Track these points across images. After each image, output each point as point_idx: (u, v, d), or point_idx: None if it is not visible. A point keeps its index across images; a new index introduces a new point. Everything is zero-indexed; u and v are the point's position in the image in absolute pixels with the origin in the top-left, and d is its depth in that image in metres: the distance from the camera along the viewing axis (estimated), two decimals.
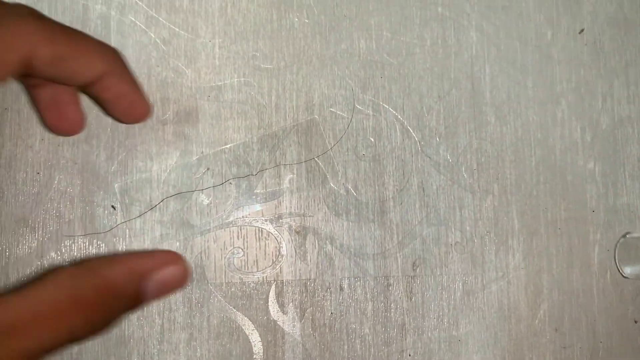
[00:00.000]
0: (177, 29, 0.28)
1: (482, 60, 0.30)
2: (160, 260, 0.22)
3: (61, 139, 0.27)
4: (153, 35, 0.28)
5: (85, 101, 0.27)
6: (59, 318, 0.19)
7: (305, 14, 0.29)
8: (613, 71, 0.31)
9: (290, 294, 0.28)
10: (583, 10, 0.31)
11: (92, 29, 0.27)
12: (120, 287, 0.20)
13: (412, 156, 0.29)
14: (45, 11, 0.27)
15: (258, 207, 0.28)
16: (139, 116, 0.26)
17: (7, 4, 0.21)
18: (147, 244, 0.27)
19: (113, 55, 0.23)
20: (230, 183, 0.28)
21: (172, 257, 0.22)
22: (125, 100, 0.25)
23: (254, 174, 0.28)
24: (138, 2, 0.28)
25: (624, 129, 0.31)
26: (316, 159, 0.28)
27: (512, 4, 0.31)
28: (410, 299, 0.28)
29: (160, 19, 0.28)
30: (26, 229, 0.26)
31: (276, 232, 0.28)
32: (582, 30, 0.31)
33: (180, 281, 0.22)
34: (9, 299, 0.18)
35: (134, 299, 0.21)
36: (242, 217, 0.28)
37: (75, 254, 0.26)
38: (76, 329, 0.19)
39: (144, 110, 0.26)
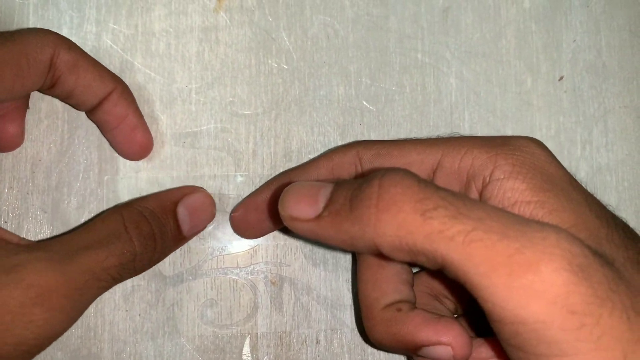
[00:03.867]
0: (152, 74, 0.28)
1: (462, 106, 0.30)
2: (185, 190, 0.25)
3: (30, 186, 0.26)
4: (128, 80, 0.27)
5: (54, 149, 0.26)
6: (113, 238, 0.22)
7: (284, 59, 0.29)
8: (592, 118, 0.31)
9: (265, 347, 0.27)
10: (562, 58, 0.31)
11: None
12: (159, 214, 0.24)
13: None
14: None
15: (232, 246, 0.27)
16: (141, 143, 0.26)
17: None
18: (117, 296, 0.26)
19: (119, 78, 0.25)
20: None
21: (195, 187, 0.26)
22: (128, 124, 0.25)
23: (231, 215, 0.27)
24: (113, 45, 0.28)
25: (603, 176, 0.31)
26: None
27: (492, 50, 0.31)
28: (387, 351, 0.28)
29: (136, 63, 0.28)
30: None
31: (251, 283, 0.27)
32: (561, 77, 0.31)
33: (208, 207, 0.26)
34: (76, 232, 0.22)
35: (175, 228, 0.24)
36: (217, 267, 0.27)
37: None
38: (132, 247, 0.22)
39: (146, 138, 0.26)
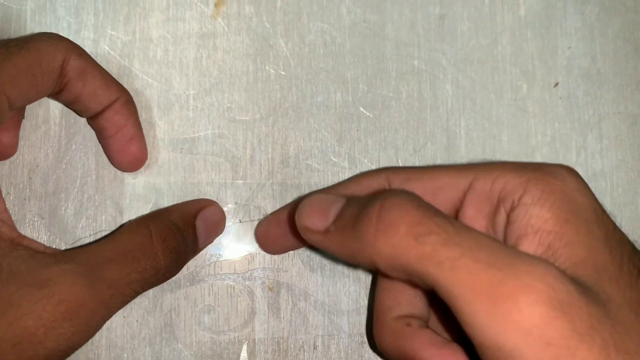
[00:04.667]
0: (150, 80, 0.28)
1: (458, 113, 0.30)
2: (201, 203, 0.26)
3: (27, 192, 0.26)
4: (126, 86, 0.27)
5: (51, 155, 0.26)
6: (139, 253, 0.22)
7: (281, 65, 0.29)
8: (587, 125, 0.32)
9: (262, 353, 0.27)
10: (558, 64, 0.32)
11: None
12: (183, 228, 0.24)
13: None
14: None
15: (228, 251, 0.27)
16: (135, 155, 0.26)
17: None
18: None
19: (124, 87, 0.26)
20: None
21: (209, 201, 0.27)
22: (126, 133, 0.25)
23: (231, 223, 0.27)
24: (110, 51, 0.28)
25: (597, 182, 0.31)
26: None
27: (488, 57, 0.31)
28: (384, 357, 0.28)
29: (133, 69, 0.28)
30: None
31: (249, 289, 0.27)
32: (556, 84, 0.31)
33: (220, 221, 0.26)
34: (103, 243, 0.22)
35: (193, 241, 0.25)
36: (214, 273, 0.27)
37: None
38: (156, 262, 0.22)
39: (141, 150, 0.26)
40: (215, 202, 0.27)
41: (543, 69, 0.31)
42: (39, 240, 0.26)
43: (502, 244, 0.19)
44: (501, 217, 0.21)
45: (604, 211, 0.21)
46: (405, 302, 0.23)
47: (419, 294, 0.23)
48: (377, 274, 0.27)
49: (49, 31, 0.27)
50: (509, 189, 0.21)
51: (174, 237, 0.23)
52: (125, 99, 0.25)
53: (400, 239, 0.19)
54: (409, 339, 0.22)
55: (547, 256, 0.19)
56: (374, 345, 0.28)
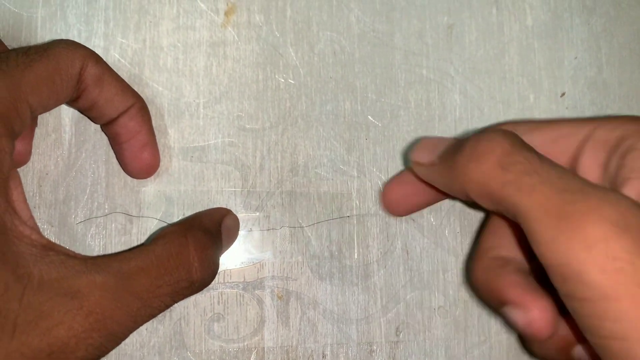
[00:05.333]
0: (160, 88, 0.28)
1: (466, 122, 0.30)
2: (223, 210, 0.27)
3: (37, 200, 0.26)
4: None
5: (61, 163, 0.26)
6: (177, 264, 0.22)
7: (291, 74, 0.29)
8: None
9: None
10: (564, 74, 0.32)
11: None
12: (215, 235, 0.24)
13: (396, 219, 0.29)
14: None
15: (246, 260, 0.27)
16: (147, 162, 0.26)
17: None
18: None
19: (139, 94, 0.26)
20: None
21: (226, 209, 0.27)
22: (139, 140, 0.25)
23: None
24: (121, 59, 0.28)
25: None
26: (300, 220, 0.28)
27: (496, 67, 0.31)
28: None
29: (144, 77, 0.28)
30: None
31: (258, 297, 0.27)
32: (563, 94, 0.32)
33: (237, 226, 0.27)
34: (136, 251, 0.22)
35: (221, 245, 0.25)
36: (223, 281, 0.27)
37: None
38: (190, 276, 0.22)
39: (153, 158, 0.26)
40: (229, 209, 0.27)
41: (550, 79, 0.32)
42: None
43: (583, 178, 0.20)
44: (614, 163, 0.22)
45: None
46: (508, 246, 0.25)
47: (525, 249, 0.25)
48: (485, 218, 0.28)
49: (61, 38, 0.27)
50: (626, 135, 0.22)
51: (211, 246, 0.23)
52: (140, 106, 0.25)
53: (489, 168, 0.21)
54: (500, 276, 0.23)
55: None
56: (382, 353, 0.28)
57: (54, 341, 0.19)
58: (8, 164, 0.20)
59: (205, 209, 0.27)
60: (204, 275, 0.23)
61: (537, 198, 0.19)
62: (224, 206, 0.28)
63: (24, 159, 0.25)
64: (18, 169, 0.26)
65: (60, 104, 0.24)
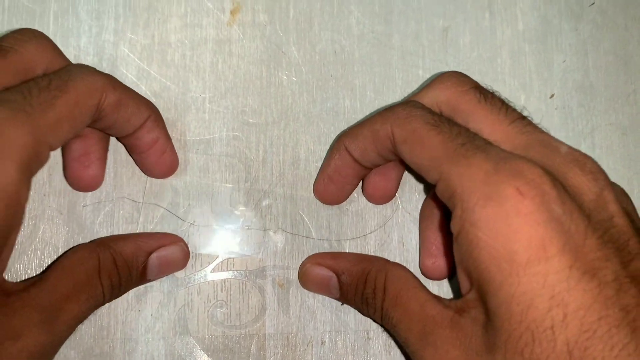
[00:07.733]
0: (168, 83, 0.29)
1: None
2: (164, 240, 0.26)
3: (47, 188, 0.27)
4: (144, 88, 0.29)
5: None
6: (88, 287, 0.23)
7: (293, 72, 0.30)
8: (580, 134, 0.33)
9: (272, 347, 0.28)
10: (553, 77, 0.33)
11: None
12: (130, 260, 0.25)
13: (393, 212, 0.30)
14: None
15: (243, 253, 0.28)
16: (169, 165, 0.27)
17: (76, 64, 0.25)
18: (130, 297, 0.27)
19: (152, 104, 0.26)
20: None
21: (174, 238, 0.27)
22: (159, 147, 0.26)
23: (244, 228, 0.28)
24: (130, 54, 0.29)
25: None
26: (301, 212, 0.29)
27: (488, 69, 0.32)
28: (389, 353, 0.29)
29: (152, 72, 0.29)
30: (9, 279, 0.26)
31: (260, 285, 0.28)
32: (552, 95, 0.33)
33: (180, 261, 0.27)
34: (58, 277, 0.23)
35: (141, 274, 0.25)
36: (227, 270, 0.28)
37: None
38: (100, 296, 0.24)
39: (174, 160, 0.28)
40: (181, 240, 0.27)
41: (540, 81, 0.33)
42: (57, 235, 0.27)
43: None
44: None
45: None
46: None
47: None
48: None
49: (70, 34, 0.28)
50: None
51: (117, 274, 0.24)
52: (155, 116, 0.26)
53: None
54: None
55: None
56: (378, 341, 0.29)
57: None
58: (20, 217, 0.21)
59: (205, 207, 0.28)
60: (108, 298, 0.25)
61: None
62: (227, 198, 0.29)
63: (98, 181, 0.27)
64: None
65: (79, 133, 0.24)
